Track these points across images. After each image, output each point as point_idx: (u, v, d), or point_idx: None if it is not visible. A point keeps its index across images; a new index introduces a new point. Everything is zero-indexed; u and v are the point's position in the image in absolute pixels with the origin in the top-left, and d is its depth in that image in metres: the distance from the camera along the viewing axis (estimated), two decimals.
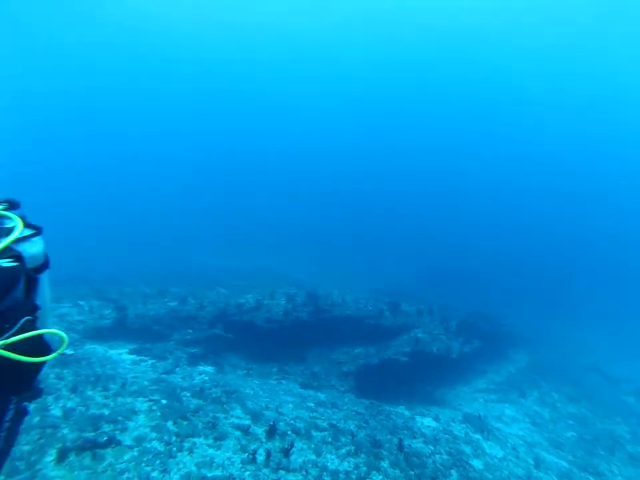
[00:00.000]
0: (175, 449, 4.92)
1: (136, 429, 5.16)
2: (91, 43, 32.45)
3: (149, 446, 4.87)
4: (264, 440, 5.52)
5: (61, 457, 4.39)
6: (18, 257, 1.51)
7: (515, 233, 31.81)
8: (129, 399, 5.95)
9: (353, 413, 7.20)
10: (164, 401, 5.99)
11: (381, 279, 17.46)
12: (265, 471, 4.91)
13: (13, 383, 1.52)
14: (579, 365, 13.00)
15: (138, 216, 27.26)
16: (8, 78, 33.22)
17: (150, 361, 7.87)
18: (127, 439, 4.91)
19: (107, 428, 5.01)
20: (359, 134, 42.62)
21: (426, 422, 7.51)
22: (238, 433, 5.54)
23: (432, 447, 6.40)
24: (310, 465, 5.22)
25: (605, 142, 42.82)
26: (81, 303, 9.49)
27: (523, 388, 10.52)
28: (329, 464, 5.35)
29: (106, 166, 35.88)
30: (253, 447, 5.28)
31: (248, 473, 4.80)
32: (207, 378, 7.49)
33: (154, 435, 5.11)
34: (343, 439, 6.04)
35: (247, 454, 5.10)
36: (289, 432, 5.89)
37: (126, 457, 4.62)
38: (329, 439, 5.95)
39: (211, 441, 5.22)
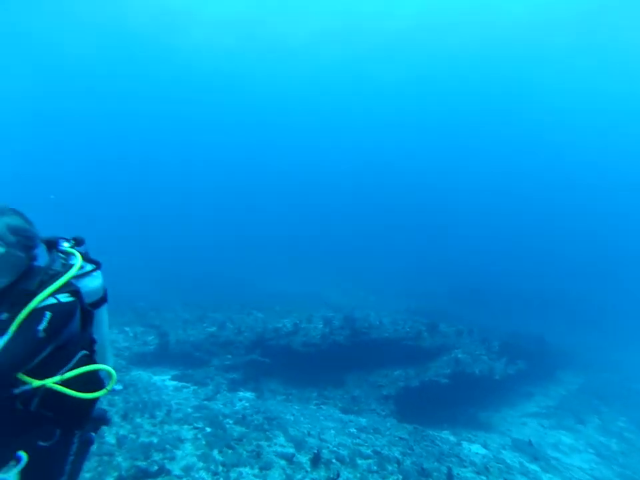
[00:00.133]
0: (221, 479, 4.95)
1: (184, 458, 5.24)
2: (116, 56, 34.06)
3: (197, 476, 4.92)
4: (309, 469, 5.46)
5: None
6: (75, 292, 1.58)
7: (555, 247, 30.59)
8: (175, 427, 6.06)
9: (397, 438, 7.01)
10: (208, 429, 6.06)
11: (416, 298, 17.15)
12: None
13: (73, 417, 1.59)
14: None
15: (176, 239, 28.28)
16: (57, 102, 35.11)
17: (192, 387, 8.02)
18: (175, 469, 4.99)
19: (156, 456, 5.12)
20: (388, 148, 42.82)
21: (474, 448, 7.19)
22: (283, 462, 5.50)
23: (484, 478, 6.11)
24: None
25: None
26: (127, 329, 9.86)
27: (580, 413, 9.81)
28: None
29: (141, 190, 37.41)
30: (298, 476, 5.23)
31: None
32: (247, 404, 7.53)
33: (201, 464, 5.17)
34: (389, 467, 5.88)
35: None
36: (334, 460, 5.79)
37: None
38: (375, 468, 5.81)
39: (256, 471, 5.21)
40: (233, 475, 5.06)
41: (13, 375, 1.38)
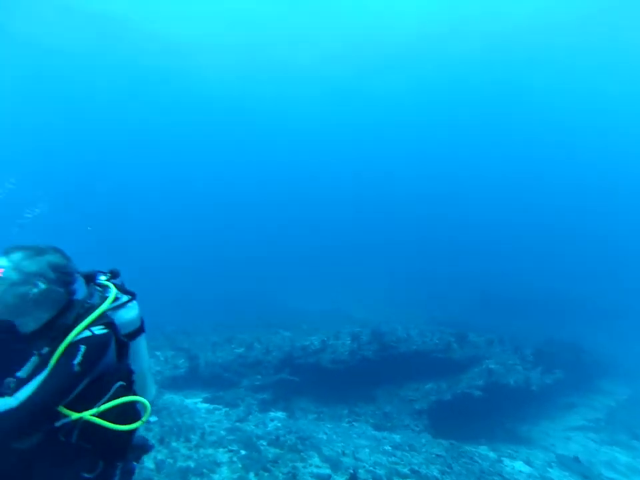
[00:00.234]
0: None
1: None
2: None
3: None
4: None
5: None
6: (109, 324, 1.62)
7: (583, 249, 29.65)
8: (210, 450, 6.09)
9: (434, 456, 6.83)
10: (243, 451, 6.07)
11: (440, 308, 16.87)
12: None
13: (112, 449, 1.61)
14: None
15: (194, 258, 28.77)
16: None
17: (223, 409, 8.05)
18: None
19: None
20: (400, 158, 42.80)
21: (517, 466, 6.92)
22: None
23: None
24: None
25: None
26: (157, 353, 10.04)
27: (634, 427, 9.11)
28: None
29: (161, 213, 38.29)
30: None
31: None
32: (279, 424, 7.51)
33: None
34: None
35: None
36: None
37: None
38: None
39: None
40: None
41: (52, 409, 1.42)
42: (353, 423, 8.25)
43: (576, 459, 7.32)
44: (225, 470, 5.55)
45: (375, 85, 36.99)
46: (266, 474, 5.50)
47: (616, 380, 11.38)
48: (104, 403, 1.54)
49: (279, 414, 8.14)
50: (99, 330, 1.56)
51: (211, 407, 8.17)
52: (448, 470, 6.32)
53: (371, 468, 6.08)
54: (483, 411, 8.64)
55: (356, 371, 9.07)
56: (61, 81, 32.65)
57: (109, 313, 1.70)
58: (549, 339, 12.31)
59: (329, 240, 34.01)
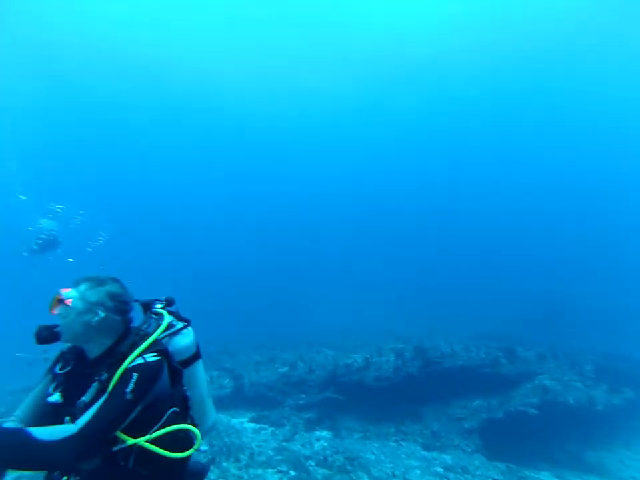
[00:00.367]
0: None
1: None
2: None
3: None
4: None
5: None
6: (162, 351, 1.67)
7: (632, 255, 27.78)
8: (260, 470, 6.14)
9: None
10: (292, 472, 6.07)
11: (482, 322, 16.24)
12: None
13: (166, 475, 1.64)
14: None
15: (229, 276, 29.42)
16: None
17: (269, 429, 8.10)
18: None
19: None
20: (430, 170, 42.29)
21: None
22: None
23: None
24: None
25: None
26: None
27: None
28: None
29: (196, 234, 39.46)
30: None
31: None
32: (326, 444, 7.45)
33: None
34: None
35: None
36: None
37: None
38: None
39: None
40: None
41: (107, 436, 1.47)
42: (401, 442, 8.04)
43: None
44: None
45: (391, 102, 37.60)
46: None
47: None
48: (157, 430, 1.58)
49: (325, 433, 8.08)
50: (151, 357, 1.60)
51: (257, 426, 8.24)
52: None
53: None
54: (539, 432, 8.14)
55: (401, 388, 8.88)
56: (101, 115, 35.34)
57: (164, 340, 1.77)
58: (607, 352, 11.48)
59: (363, 254, 33.83)
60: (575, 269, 26.77)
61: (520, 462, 7.28)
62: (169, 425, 1.60)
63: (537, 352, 10.25)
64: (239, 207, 42.20)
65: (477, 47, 31.33)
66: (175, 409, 1.68)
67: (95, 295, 1.71)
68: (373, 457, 7.07)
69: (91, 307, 1.68)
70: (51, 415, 1.65)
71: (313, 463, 6.45)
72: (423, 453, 7.58)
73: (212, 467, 6.04)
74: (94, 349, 1.70)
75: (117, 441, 1.51)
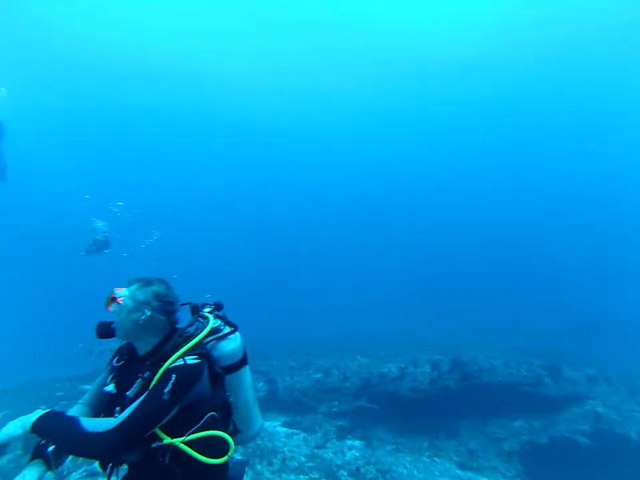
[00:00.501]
0: None
1: None
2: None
3: None
4: None
5: None
6: (203, 355, 1.69)
7: None
8: (292, 476, 6.18)
9: None
10: None
11: (523, 335, 15.47)
12: None
13: (199, 478, 1.65)
14: None
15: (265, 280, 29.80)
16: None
17: (302, 435, 8.13)
18: None
19: None
20: (468, 177, 41.09)
21: None
22: None
23: None
24: None
25: None
26: None
27: None
28: None
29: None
30: None
31: None
32: (357, 454, 7.38)
33: None
34: None
35: None
36: None
37: None
38: None
39: None
40: None
41: (143, 433, 1.51)
42: (435, 458, 7.81)
43: None
44: None
45: (391, 104, 37.32)
46: None
47: None
48: (193, 432, 1.60)
49: (357, 442, 8.00)
50: (191, 360, 1.62)
51: (289, 431, 8.29)
52: None
53: None
54: (589, 463, 7.50)
55: (436, 401, 8.64)
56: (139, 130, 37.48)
57: (209, 344, 1.80)
58: None
59: (399, 261, 33.34)
60: (619, 281, 24.93)
61: None
62: (206, 429, 1.62)
63: (587, 373, 9.61)
64: (270, 210, 42.84)
65: (488, 52, 30.72)
66: (213, 413, 1.69)
67: (142, 294, 1.79)
68: (405, 472, 6.94)
69: (138, 306, 1.76)
70: (107, 403, 1.76)
71: (345, 473, 6.42)
72: (458, 472, 7.33)
73: (246, 469, 6.15)
74: (142, 347, 1.78)
75: (156, 438, 1.55)
